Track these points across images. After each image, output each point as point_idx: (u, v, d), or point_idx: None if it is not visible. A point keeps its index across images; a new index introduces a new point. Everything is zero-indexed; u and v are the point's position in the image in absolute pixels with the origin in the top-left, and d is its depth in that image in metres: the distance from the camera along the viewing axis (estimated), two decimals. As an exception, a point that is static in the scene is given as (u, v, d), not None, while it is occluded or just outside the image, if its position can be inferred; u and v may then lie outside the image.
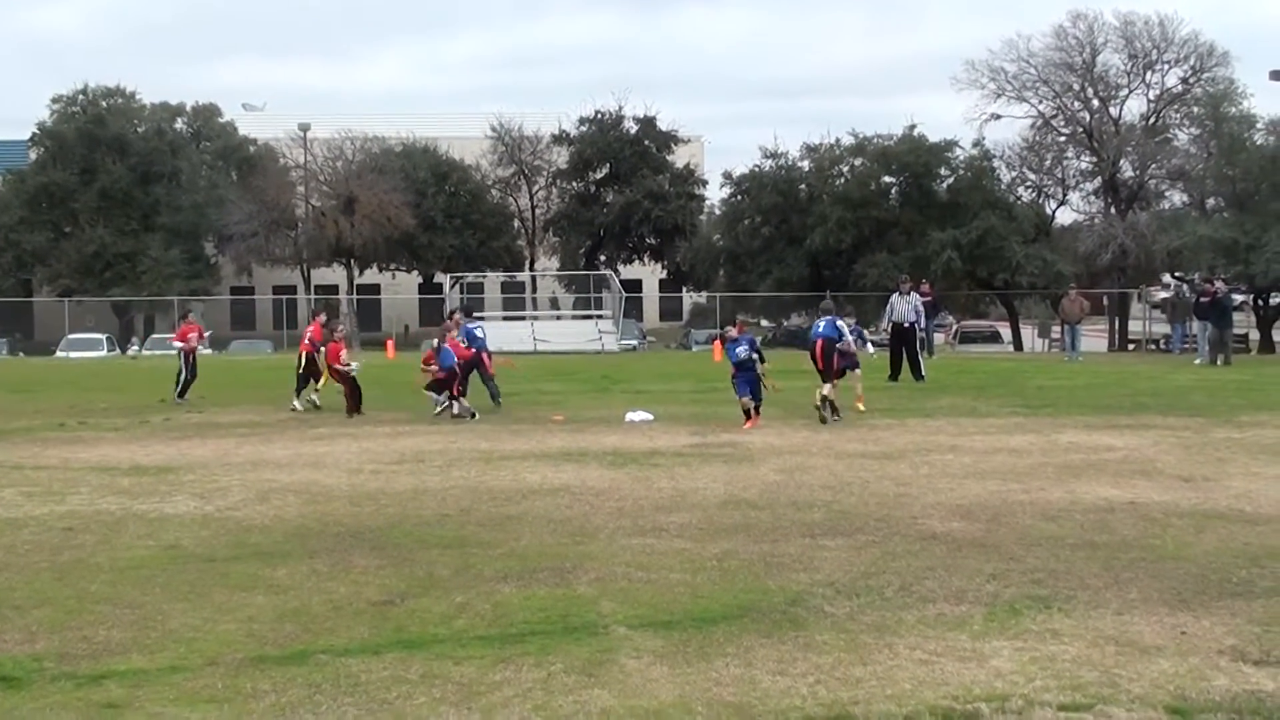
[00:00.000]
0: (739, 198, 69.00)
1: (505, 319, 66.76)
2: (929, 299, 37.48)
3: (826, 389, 22.74)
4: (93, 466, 17.94)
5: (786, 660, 8.28)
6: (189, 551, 11.95)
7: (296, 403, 26.98)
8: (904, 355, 31.93)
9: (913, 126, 64.99)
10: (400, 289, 79.93)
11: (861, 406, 23.88)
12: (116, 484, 16.26)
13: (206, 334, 27.80)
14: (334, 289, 78.55)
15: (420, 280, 79.48)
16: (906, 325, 32.17)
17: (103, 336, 63.11)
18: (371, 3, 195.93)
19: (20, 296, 74.63)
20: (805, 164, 67.67)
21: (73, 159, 72.72)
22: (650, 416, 23.69)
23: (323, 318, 27.74)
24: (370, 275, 78.51)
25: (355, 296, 74.89)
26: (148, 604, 9.92)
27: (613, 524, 13.07)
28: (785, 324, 71.99)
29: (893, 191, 66.27)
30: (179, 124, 76.44)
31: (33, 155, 75.67)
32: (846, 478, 16.05)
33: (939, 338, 55.88)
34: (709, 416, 24.19)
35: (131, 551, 11.97)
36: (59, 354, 58.03)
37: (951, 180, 65.37)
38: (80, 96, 75.00)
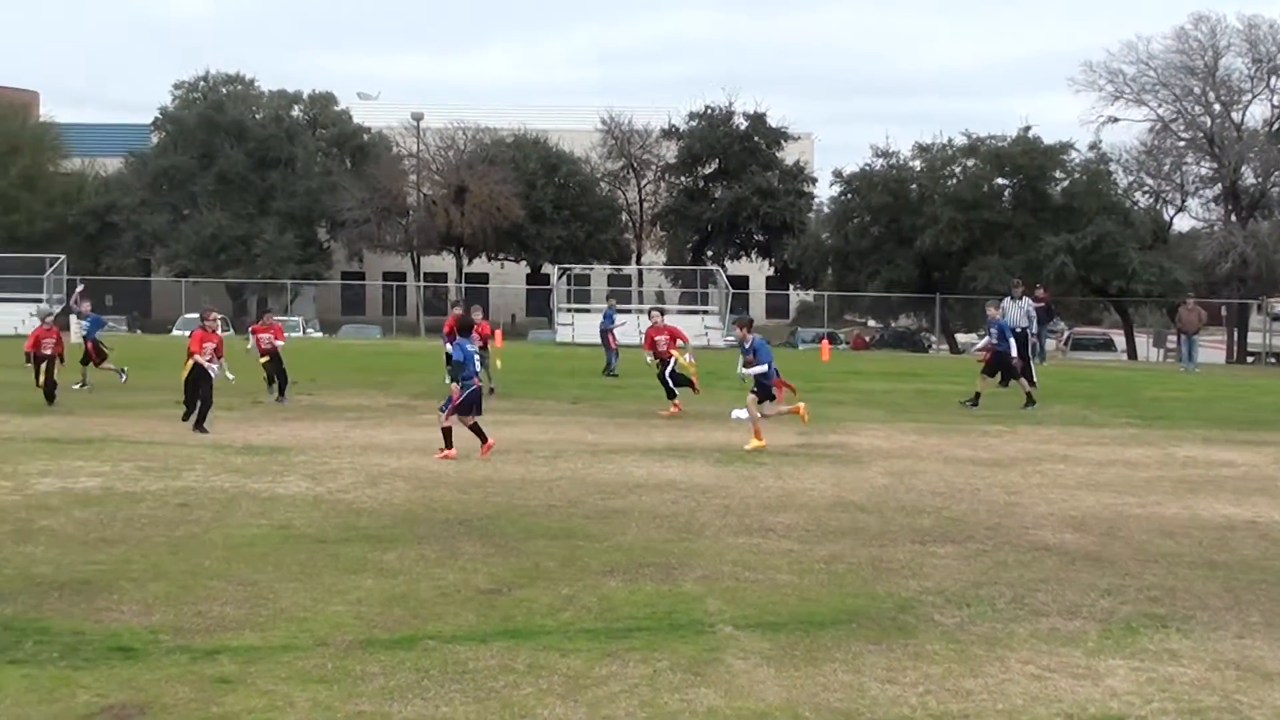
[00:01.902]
0: (849, 196, 68.51)
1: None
2: (1042, 304, 36.93)
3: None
4: (207, 444, 18.14)
5: (895, 668, 8.20)
6: (300, 532, 12.06)
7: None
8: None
9: (1027, 128, 64.14)
10: (508, 279, 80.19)
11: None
12: (230, 462, 16.43)
13: (268, 342, 26.10)
14: (443, 277, 78.99)
15: (528, 270, 79.73)
16: (1019, 331, 31.64)
17: (218, 316, 63.79)
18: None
19: (139, 276, 75.74)
20: (917, 164, 67.02)
21: (193, 143, 73.57)
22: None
23: (459, 310, 27.25)
24: (479, 264, 78.90)
25: (463, 285, 75.21)
26: (260, 582, 10.02)
27: (719, 522, 13.02)
28: (893, 325, 71.56)
29: (1005, 194, 65.38)
30: (295, 111, 77.05)
31: (154, 139, 76.68)
32: (956, 484, 15.90)
33: (1050, 344, 55.19)
34: (815, 416, 23.99)
35: (245, 529, 12.11)
36: (175, 332, 58.82)
37: (1066, 183, 64.34)
38: (201, 83, 75.91)
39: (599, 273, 73.25)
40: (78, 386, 26.23)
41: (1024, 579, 10.68)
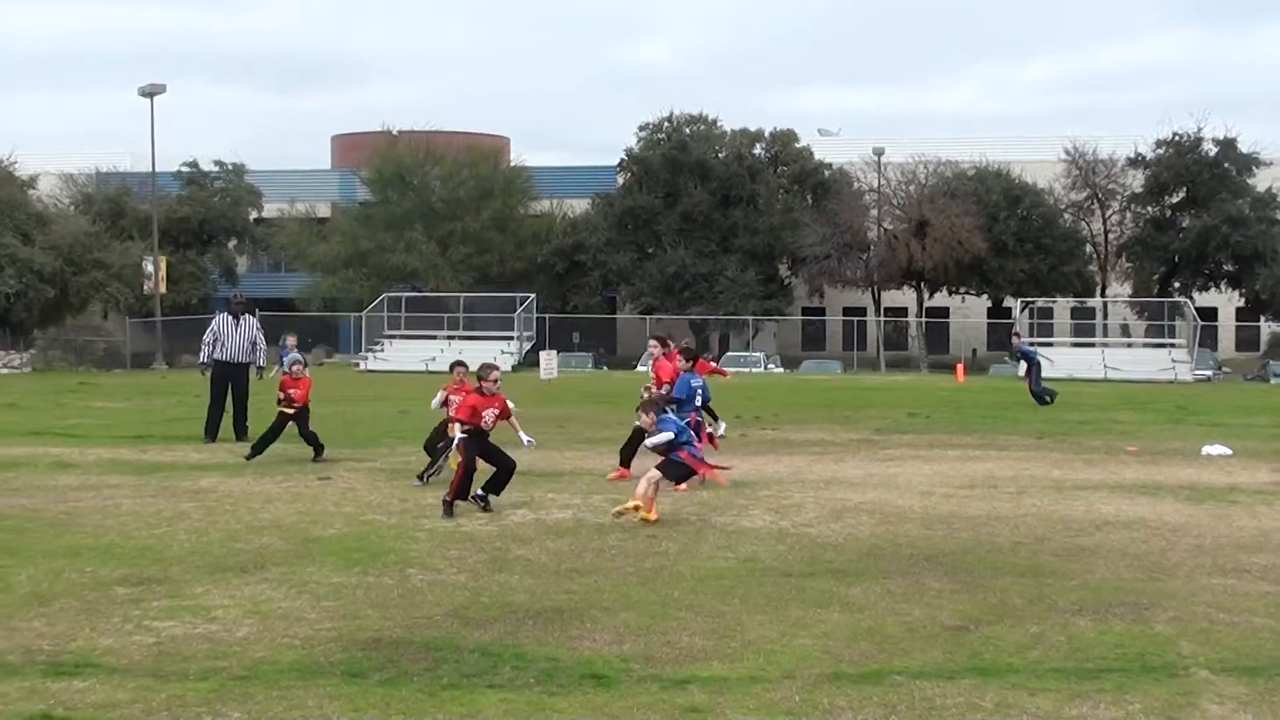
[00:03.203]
0: (1324, 222, 65.26)
1: (1074, 345, 65.49)
2: None
3: None
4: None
5: (1385, 718, 7.80)
6: (766, 565, 12.25)
7: None
8: None
9: None
10: (969, 312, 79.43)
11: None
12: (695, 495, 16.83)
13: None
14: (903, 311, 78.89)
15: (989, 304, 78.76)
16: None
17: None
18: (948, 30, 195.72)
19: (605, 313, 78.39)
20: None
21: (657, 183, 75.59)
22: (1229, 451, 22.74)
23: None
24: (939, 298, 78.42)
25: (924, 320, 74.95)
26: (727, 613, 10.24)
27: (1191, 561, 12.61)
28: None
29: None
30: (757, 149, 78.24)
31: (620, 179, 79.21)
32: None
33: None
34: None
35: (711, 561, 12.38)
36: (639, 368, 60.62)
37: None
38: (665, 124, 77.88)
39: (1061, 306, 71.82)
40: None
41: None
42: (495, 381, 15.90)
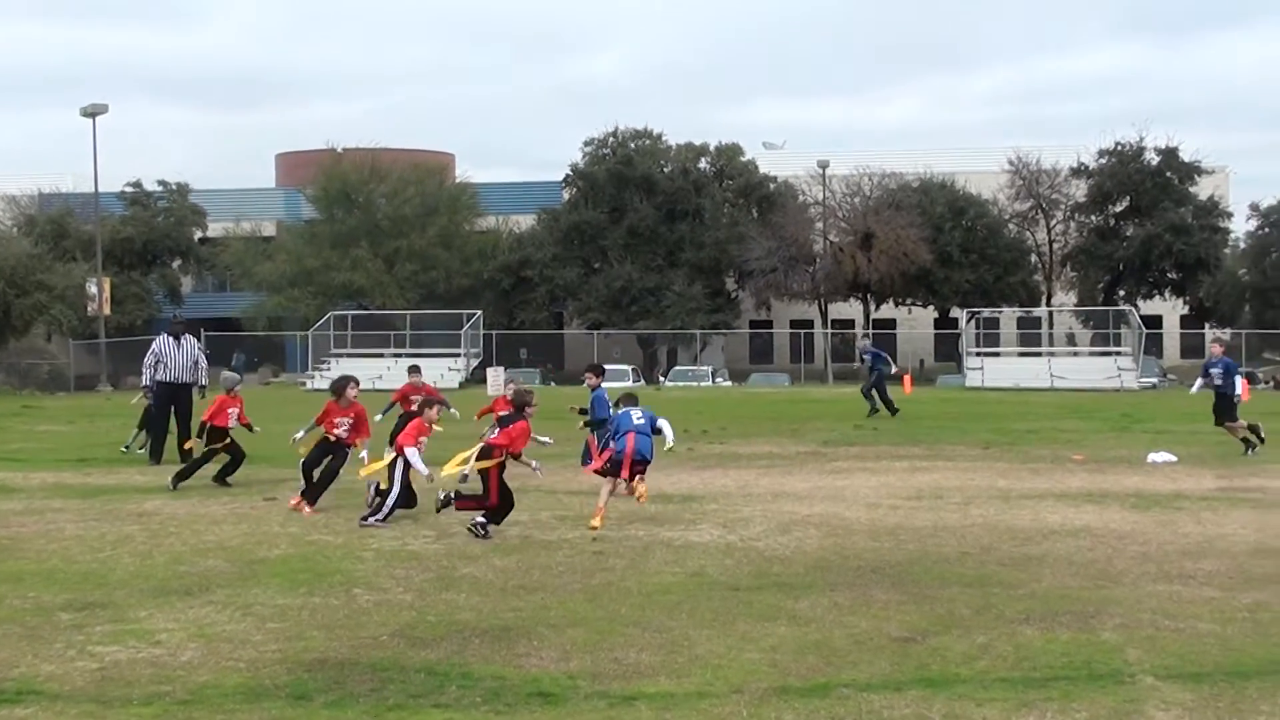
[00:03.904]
0: (1266, 230, 65.95)
1: (1020, 354, 65.86)
2: None
3: None
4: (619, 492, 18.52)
5: (1330, 721, 7.87)
6: (713, 579, 12.25)
7: None
8: None
9: None
10: (916, 324, 79.79)
11: None
12: (643, 511, 16.78)
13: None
14: (850, 323, 79.13)
15: (936, 315, 79.14)
16: None
17: (629, 367, 65.42)
18: (893, 43, 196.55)
19: (552, 329, 78.34)
20: (1341, 192, 64.12)
21: (603, 198, 75.69)
22: (1174, 458, 22.92)
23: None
24: (886, 309, 78.78)
25: (871, 331, 75.21)
26: (674, 629, 10.23)
27: (1137, 569, 12.69)
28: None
29: None
30: (703, 163, 78.41)
31: (565, 195, 79.28)
32: (1395, 529, 15.08)
33: None
34: (1235, 459, 23.20)
35: (659, 577, 12.37)
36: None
37: None
38: (611, 139, 78.03)
39: (1007, 316, 72.23)
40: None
41: None
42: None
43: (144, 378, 24.48)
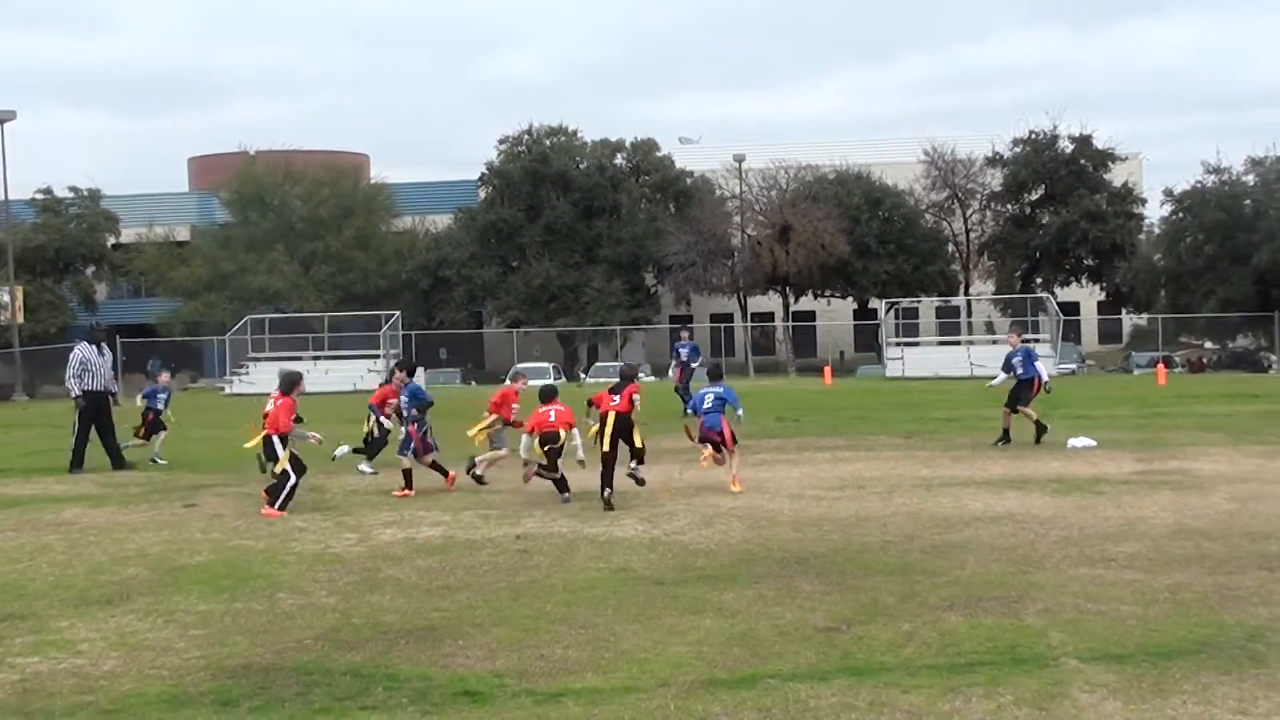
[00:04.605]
0: (1180, 215, 66.78)
1: (940, 344, 66.28)
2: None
3: None
4: (544, 490, 18.49)
5: (1247, 699, 7.96)
6: (639, 574, 12.25)
7: None
8: None
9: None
10: (835, 315, 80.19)
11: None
12: (568, 507, 16.80)
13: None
14: (769, 316, 79.44)
15: (855, 306, 79.58)
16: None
17: (549, 365, 65.32)
18: (809, 35, 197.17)
19: (472, 328, 78.16)
20: (1250, 178, 64.92)
21: (519, 196, 75.67)
22: (1093, 442, 23.12)
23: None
24: (805, 302, 79.13)
25: (791, 324, 75.58)
26: (600, 624, 10.22)
27: (1059, 553, 12.79)
28: (1230, 345, 69.28)
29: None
30: (619, 159, 78.51)
31: (482, 194, 79.11)
32: (1308, 508, 15.29)
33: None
34: (1154, 442, 23.46)
35: (584, 573, 12.35)
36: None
37: None
38: (525, 136, 78.00)
39: (926, 305, 72.74)
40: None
41: (1386, 605, 10.23)
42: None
43: (73, 388, 23.78)
